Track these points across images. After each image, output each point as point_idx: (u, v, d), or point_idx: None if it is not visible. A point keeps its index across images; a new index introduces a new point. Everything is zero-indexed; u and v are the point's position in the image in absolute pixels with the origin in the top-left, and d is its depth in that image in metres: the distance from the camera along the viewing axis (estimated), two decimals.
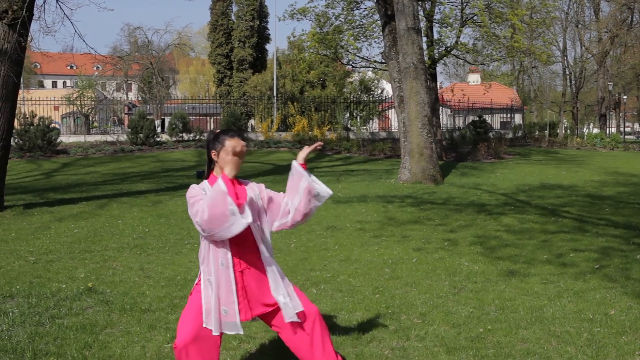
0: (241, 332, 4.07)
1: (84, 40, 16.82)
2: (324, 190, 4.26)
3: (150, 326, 5.70)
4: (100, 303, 6.39)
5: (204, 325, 4.00)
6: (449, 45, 26.44)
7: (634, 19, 47.60)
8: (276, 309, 4.10)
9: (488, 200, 14.33)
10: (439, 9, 26.24)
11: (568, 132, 42.54)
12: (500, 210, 12.77)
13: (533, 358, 4.94)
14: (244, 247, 4.08)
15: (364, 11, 27.18)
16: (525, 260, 8.33)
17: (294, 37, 29.14)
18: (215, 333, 4.01)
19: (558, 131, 42.84)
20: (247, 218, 3.91)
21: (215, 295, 4.02)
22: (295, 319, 4.07)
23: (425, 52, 23.08)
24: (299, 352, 4.16)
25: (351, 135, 29.56)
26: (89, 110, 41.63)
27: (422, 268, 7.96)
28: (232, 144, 4.08)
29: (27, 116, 25.37)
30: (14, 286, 7.00)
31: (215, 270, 4.04)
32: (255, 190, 4.22)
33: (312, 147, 4.29)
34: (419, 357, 4.98)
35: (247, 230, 4.01)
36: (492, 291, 6.88)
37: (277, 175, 19.68)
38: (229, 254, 4.04)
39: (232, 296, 4.04)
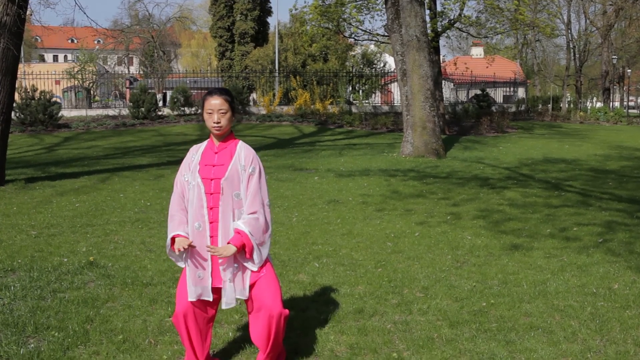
0: (210, 298, 4.08)
1: (84, 12, 16.61)
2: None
3: (151, 300, 5.68)
4: (102, 277, 6.38)
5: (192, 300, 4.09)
6: (452, 17, 26.21)
7: None
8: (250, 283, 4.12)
9: (491, 174, 14.28)
10: None
11: (571, 106, 42.31)
12: (503, 184, 12.72)
13: (536, 332, 4.92)
14: (213, 212, 4.04)
15: None
16: (528, 234, 8.30)
17: (295, 9, 28.99)
18: (191, 299, 4.06)
19: (561, 105, 42.71)
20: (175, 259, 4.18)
21: (191, 260, 4.09)
22: (231, 305, 4.09)
23: (429, 25, 22.88)
24: (250, 330, 4.19)
25: (353, 109, 29.43)
26: (91, 84, 41.50)
27: (424, 242, 7.93)
28: (206, 104, 4.06)
29: (28, 90, 25.26)
30: (16, 260, 6.99)
31: (192, 233, 4.08)
32: (242, 159, 4.08)
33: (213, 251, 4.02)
34: (421, 331, 4.96)
35: (216, 197, 4.02)
36: (495, 265, 6.85)
37: (278, 149, 19.63)
38: (206, 217, 4.04)
39: (206, 260, 4.07)
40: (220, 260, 4.02)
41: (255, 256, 4.02)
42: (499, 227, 8.81)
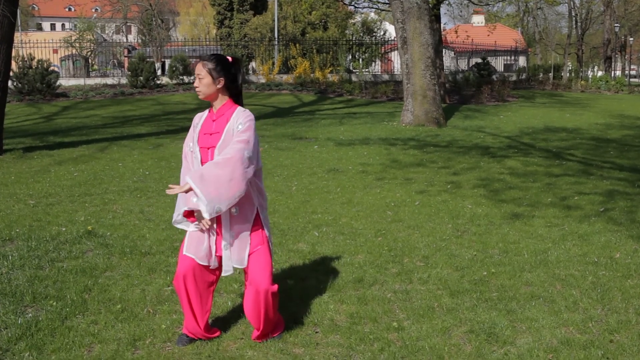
0: (214, 265, 4.09)
1: None
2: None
3: (150, 269, 5.65)
4: (100, 246, 6.34)
5: (186, 254, 4.06)
6: None
7: None
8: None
9: (492, 143, 14.21)
10: None
11: (572, 74, 42.04)
12: (504, 153, 12.65)
13: (537, 301, 4.89)
14: None
15: None
16: (529, 203, 8.25)
17: None
18: (186, 252, 4.06)
19: (562, 74, 42.46)
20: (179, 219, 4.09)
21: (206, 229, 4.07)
22: (228, 273, 4.10)
23: None
24: (244, 305, 4.21)
25: (353, 78, 29.23)
26: (89, 53, 41.19)
27: (425, 211, 7.89)
28: (195, 70, 4.09)
29: (26, 59, 25.05)
30: (14, 229, 6.95)
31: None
32: (237, 122, 3.98)
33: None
34: (421, 300, 4.93)
35: None
36: (496, 234, 6.81)
37: (278, 117, 19.53)
38: None
39: (211, 227, 4.07)
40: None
41: (198, 202, 3.85)
42: (499, 196, 8.77)
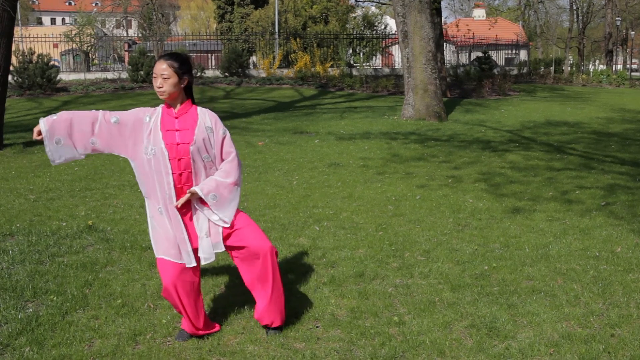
0: (194, 264, 4.05)
1: None
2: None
3: (150, 264, 5.64)
4: (101, 241, 6.34)
5: (163, 257, 4.03)
6: None
7: None
8: (227, 235, 4.11)
9: (493, 137, 14.18)
10: None
11: (574, 68, 41.98)
12: (505, 147, 12.63)
13: (538, 295, 4.88)
14: (182, 177, 4.03)
15: None
16: (530, 197, 8.24)
17: None
18: (190, 264, 4.04)
19: (563, 68, 42.35)
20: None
21: (168, 224, 4.05)
22: (211, 260, 4.07)
23: None
24: (246, 278, 4.23)
25: (354, 72, 29.20)
26: (89, 48, 41.19)
27: (425, 205, 7.88)
28: (154, 68, 4.04)
29: (26, 53, 25.01)
30: (14, 224, 6.95)
31: (162, 202, 4.03)
32: (207, 121, 4.05)
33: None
34: (422, 295, 4.92)
35: (185, 161, 3.99)
36: (497, 228, 6.80)
37: (279, 112, 19.51)
38: (172, 183, 4.00)
39: (180, 226, 4.04)
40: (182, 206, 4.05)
41: (217, 211, 4.03)
42: (500, 190, 8.75)
